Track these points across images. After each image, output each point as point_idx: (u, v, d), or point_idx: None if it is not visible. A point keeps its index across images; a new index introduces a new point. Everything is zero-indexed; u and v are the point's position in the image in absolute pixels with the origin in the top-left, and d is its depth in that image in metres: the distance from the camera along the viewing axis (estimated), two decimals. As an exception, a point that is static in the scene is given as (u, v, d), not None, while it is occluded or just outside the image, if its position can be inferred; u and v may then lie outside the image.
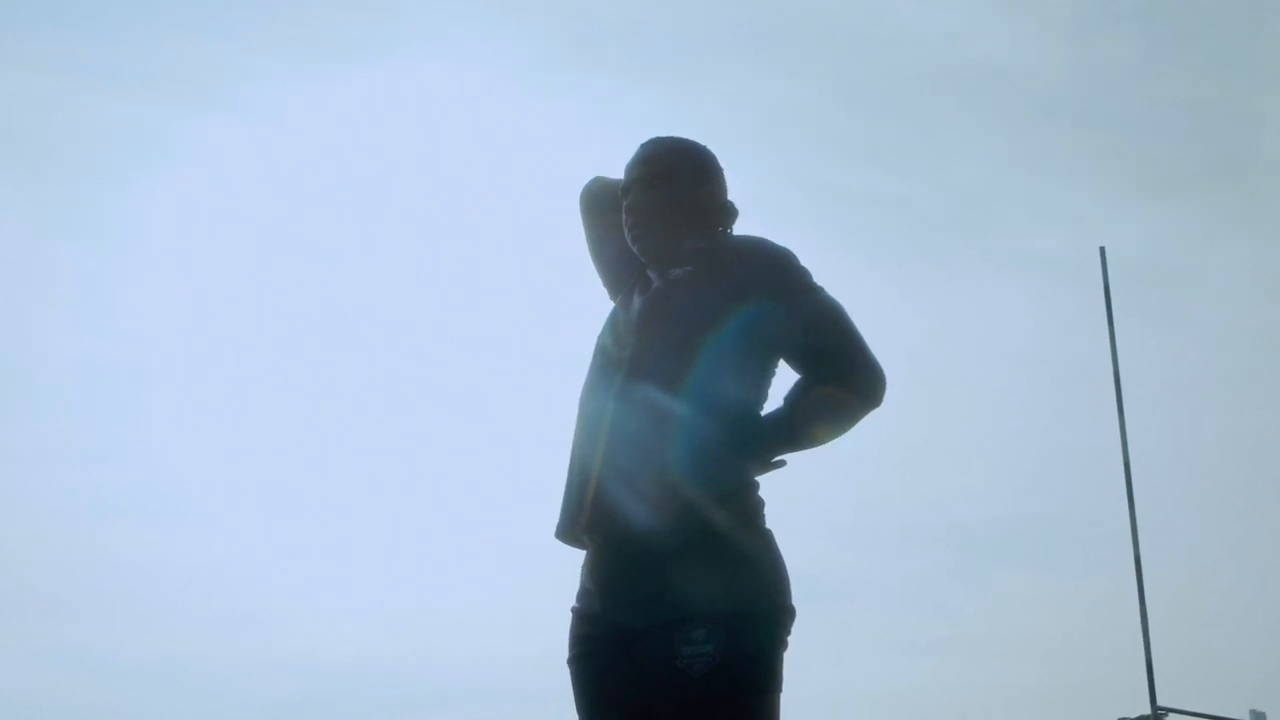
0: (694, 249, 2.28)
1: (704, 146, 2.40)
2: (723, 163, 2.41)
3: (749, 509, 2.13)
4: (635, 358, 2.20)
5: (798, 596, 2.10)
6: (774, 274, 2.19)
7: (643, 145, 2.40)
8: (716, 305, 2.17)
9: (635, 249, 2.34)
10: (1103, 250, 7.33)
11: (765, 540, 2.12)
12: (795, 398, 2.19)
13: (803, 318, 2.18)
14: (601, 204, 2.47)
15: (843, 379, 2.16)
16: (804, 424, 2.16)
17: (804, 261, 2.22)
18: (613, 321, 2.33)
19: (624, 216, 2.35)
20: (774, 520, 2.15)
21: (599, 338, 2.33)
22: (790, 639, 2.08)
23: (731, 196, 2.39)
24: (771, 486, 2.17)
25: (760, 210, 2.40)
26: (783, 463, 2.18)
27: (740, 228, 2.36)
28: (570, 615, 2.22)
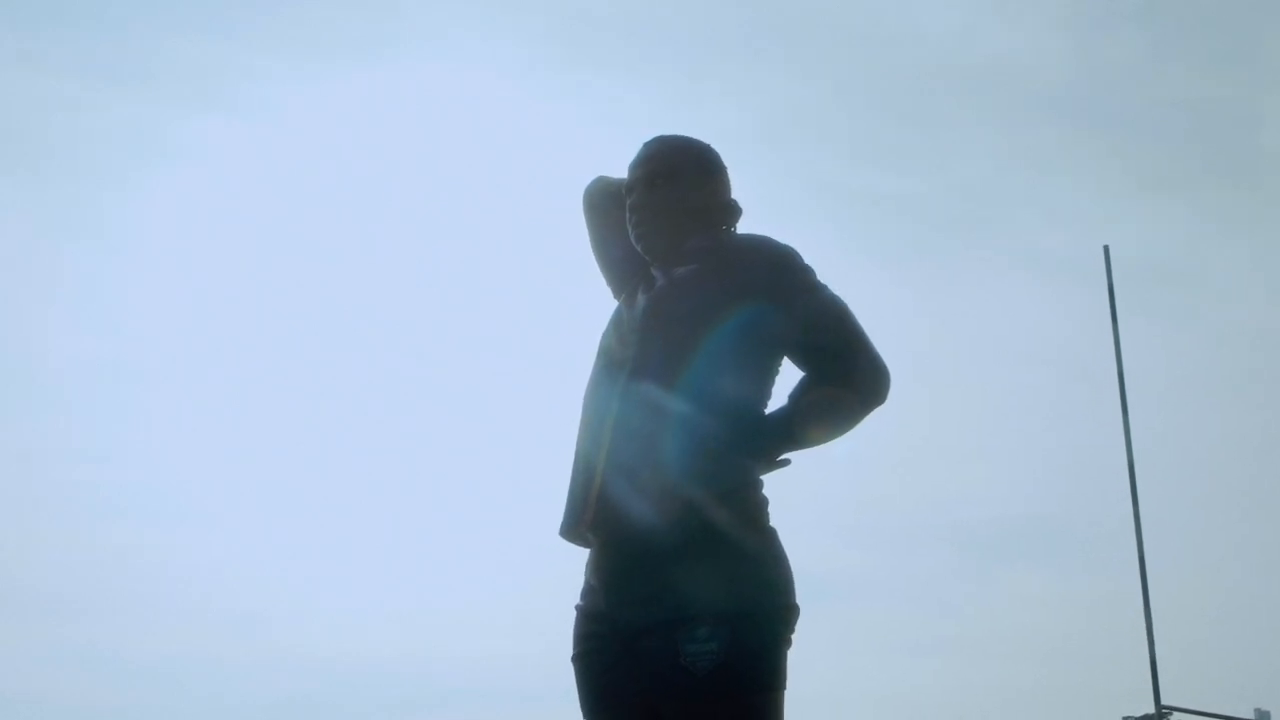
0: (698, 247, 2.28)
1: (708, 145, 2.40)
2: (726, 161, 2.40)
3: (752, 507, 2.13)
4: (639, 356, 2.20)
5: (801, 595, 2.11)
6: (777, 272, 2.19)
7: (646, 144, 2.39)
8: (720, 304, 2.17)
9: (639, 247, 2.34)
10: (1106, 249, 7.32)
11: (769, 538, 2.12)
12: (797, 397, 2.20)
13: (805, 316, 2.18)
14: (604, 203, 2.47)
15: (846, 377, 2.17)
16: (804, 423, 2.16)
17: (807, 260, 2.22)
18: (617, 320, 2.33)
19: (628, 215, 2.35)
20: (777, 519, 2.16)
21: (603, 336, 2.33)
22: (794, 637, 2.08)
23: (734, 195, 2.39)
24: (774, 485, 2.18)
25: (763, 209, 2.39)
26: (787, 462, 2.18)
27: (743, 227, 2.36)
28: (574, 613, 2.22)
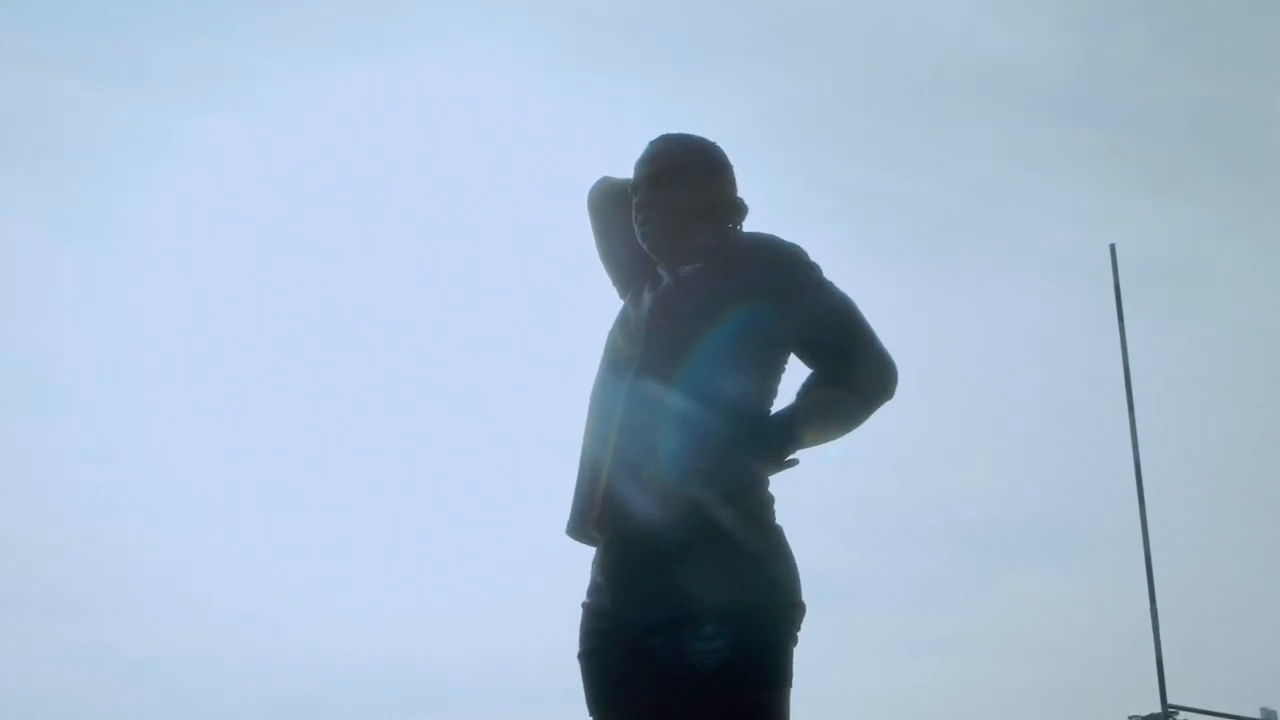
0: (704, 246, 2.28)
1: (713, 143, 2.39)
2: (731, 160, 2.39)
3: (757, 505, 2.13)
4: (645, 355, 2.20)
5: (805, 595, 2.11)
6: (782, 271, 2.19)
7: (652, 142, 2.39)
8: (726, 302, 2.17)
9: (645, 246, 2.34)
10: (1113, 247, 7.31)
11: (774, 536, 2.13)
12: (801, 395, 2.20)
13: (810, 314, 2.18)
14: (608, 206, 2.47)
15: (851, 374, 2.17)
16: (805, 424, 2.16)
17: (813, 258, 2.21)
18: (623, 319, 2.34)
19: (634, 214, 2.35)
20: (779, 518, 2.15)
21: (610, 335, 2.34)
22: (800, 634, 2.08)
23: (740, 194, 2.38)
24: (776, 484, 2.18)
25: (765, 209, 2.39)
26: (795, 462, 2.18)
27: (748, 226, 2.36)
28: (581, 611, 2.22)
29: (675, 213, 2.30)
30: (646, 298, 2.30)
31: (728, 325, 2.15)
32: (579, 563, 2.23)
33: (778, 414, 2.19)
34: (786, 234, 2.24)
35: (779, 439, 2.16)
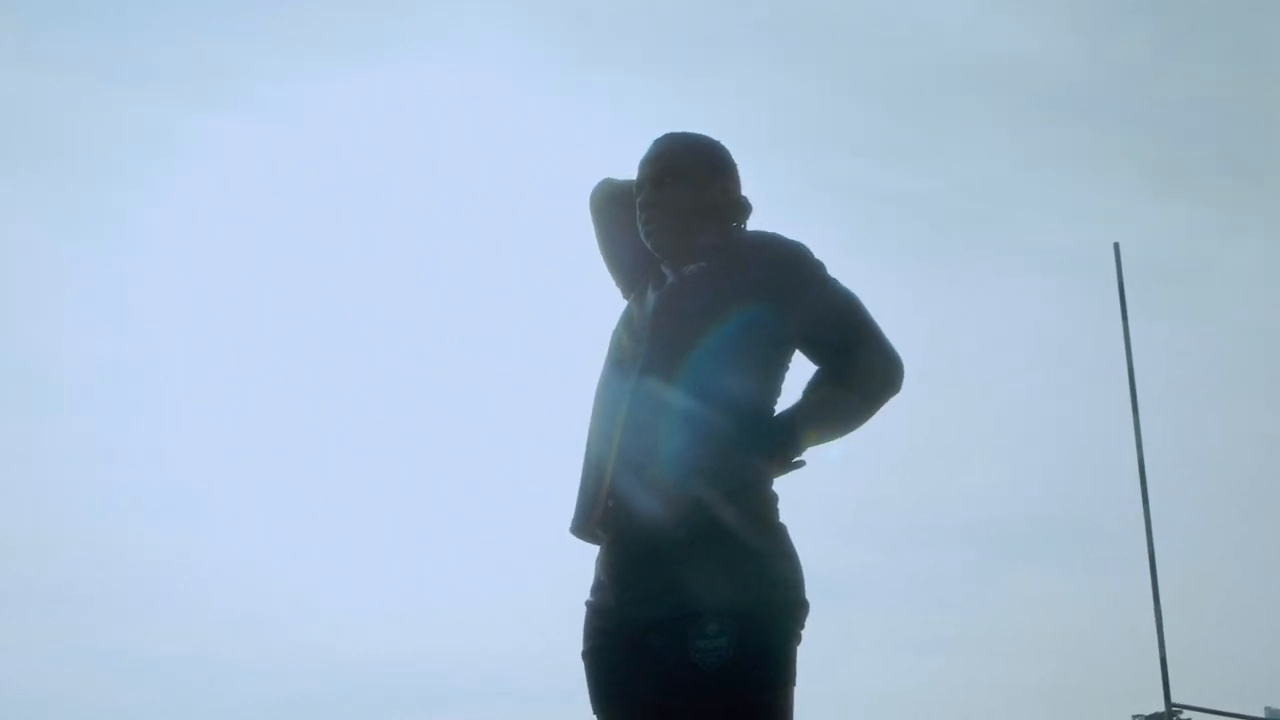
0: (708, 245, 2.28)
1: (717, 142, 2.39)
2: (735, 159, 2.39)
3: (761, 504, 2.13)
4: (649, 354, 2.20)
5: (808, 594, 2.10)
6: (786, 269, 2.19)
7: (656, 141, 2.39)
8: (730, 301, 2.18)
9: (649, 245, 2.34)
10: (1117, 246, 7.30)
11: (778, 535, 2.12)
12: (807, 393, 2.20)
13: (814, 311, 2.18)
14: (610, 207, 2.47)
15: (858, 370, 2.17)
16: (807, 424, 2.16)
17: (817, 256, 2.21)
18: (628, 318, 2.34)
19: (637, 213, 2.35)
20: (783, 517, 2.15)
21: (614, 334, 2.34)
22: (803, 633, 2.08)
23: (744, 193, 2.37)
24: (779, 483, 2.17)
25: (769, 207, 2.39)
26: (802, 463, 2.18)
27: (751, 224, 2.36)
28: (585, 609, 2.22)
29: (679, 212, 2.29)
30: (650, 297, 2.30)
31: (731, 324, 2.15)
32: (579, 562, 2.23)
33: (781, 414, 2.19)
34: (789, 232, 2.25)
35: (782, 438, 2.16)
